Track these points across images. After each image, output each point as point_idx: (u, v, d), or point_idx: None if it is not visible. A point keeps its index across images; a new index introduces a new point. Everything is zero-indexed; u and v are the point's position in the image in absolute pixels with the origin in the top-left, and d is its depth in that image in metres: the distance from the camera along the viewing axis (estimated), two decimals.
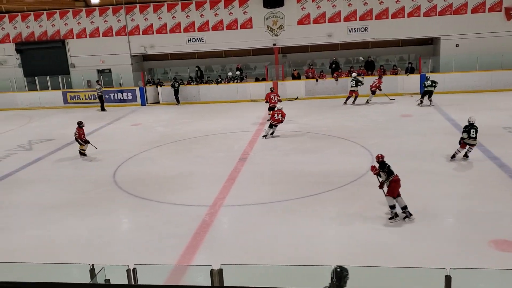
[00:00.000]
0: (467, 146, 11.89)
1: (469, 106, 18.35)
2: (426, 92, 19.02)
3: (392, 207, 8.74)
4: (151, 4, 24.39)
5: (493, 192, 9.84)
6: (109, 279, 5.10)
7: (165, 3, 24.19)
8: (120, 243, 8.79)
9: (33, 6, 24.46)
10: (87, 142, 14.67)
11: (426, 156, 12.45)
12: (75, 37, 25.68)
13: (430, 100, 18.97)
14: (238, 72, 24.00)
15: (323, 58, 24.99)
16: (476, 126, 11.71)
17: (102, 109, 23.21)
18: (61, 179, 12.68)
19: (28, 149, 16.21)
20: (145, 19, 24.72)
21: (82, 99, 24.68)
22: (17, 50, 26.38)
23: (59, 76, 25.26)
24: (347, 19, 23.06)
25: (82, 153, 14.74)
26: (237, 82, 23.57)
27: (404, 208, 8.73)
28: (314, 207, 9.70)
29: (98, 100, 23.46)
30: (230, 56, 25.91)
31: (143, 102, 24.03)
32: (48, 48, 25.99)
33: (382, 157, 9.16)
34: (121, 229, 9.82)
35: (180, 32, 24.55)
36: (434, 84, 18.83)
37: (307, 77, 23.13)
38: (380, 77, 20.42)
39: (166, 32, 24.68)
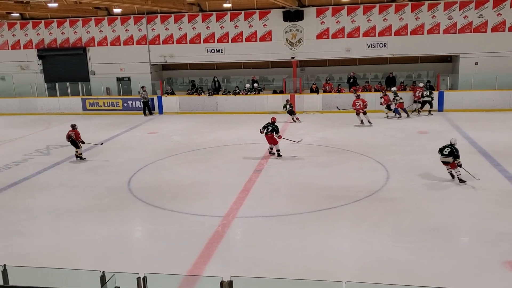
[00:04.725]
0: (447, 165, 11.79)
1: (486, 124, 18.19)
2: (426, 102, 20.75)
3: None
4: (172, 15, 24.67)
5: (509, 212, 9.69)
6: (119, 287, 5.13)
7: (186, 14, 24.45)
8: (133, 250, 8.83)
9: (57, 14, 24.90)
10: (83, 143, 15.28)
11: (444, 174, 12.31)
12: (96, 44, 26.08)
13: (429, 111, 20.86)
14: (255, 84, 24.11)
15: (341, 72, 24.97)
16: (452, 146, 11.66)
17: (145, 114, 23.85)
18: (77, 184, 12.80)
19: (46, 154, 16.43)
20: (165, 29, 25.02)
21: (101, 106, 24.97)
22: (39, 56, 26.89)
23: (79, 83, 25.65)
24: (366, 34, 23.04)
25: (81, 156, 15.33)
26: (254, 93, 23.66)
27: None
28: (327, 221, 9.65)
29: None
30: (248, 68, 26.02)
31: (161, 111, 24.24)
32: (70, 55, 26.44)
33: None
34: (134, 236, 9.86)
35: (200, 42, 24.76)
36: (432, 95, 20.85)
37: (325, 91, 23.14)
38: None
39: (186, 42, 24.92)
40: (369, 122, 19.12)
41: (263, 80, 25.83)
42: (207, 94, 23.98)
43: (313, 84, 23.75)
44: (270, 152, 14.84)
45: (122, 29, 25.57)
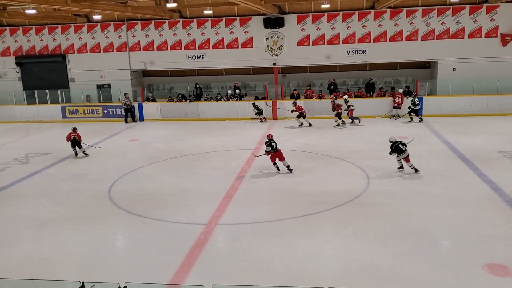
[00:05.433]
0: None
1: (465, 129, 18.47)
2: (415, 110, 20.64)
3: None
4: (153, 21, 24.61)
5: (488, 216, 9.83)
6: None
7: (167, 21, 24.41)
8: (114, 260, 8.71)
9: (35, 21, 24.64)
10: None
11: (423, 179, 12.46)
12: (76, 52, 25.88)
13: (418, 118, 20.77)
14: (237, 91, 24.16)
15: (321, 79, 25.19)
16: (400, 141, 12.82)
17: (126, 121, 23.72)
18: (57, 193, 12.62)
19: (25, 162, 16.17)
20: (146, 36, 24.94)
21: (81, 113, 24.72)
22: (17, 64, 26.56)
23: (59, 90, 25.36)
24: (345, 41, 23.29)
25: (80, 152, 16.69)
26: (236, 100, 23.68)
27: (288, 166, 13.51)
28: (310, 227, 9.66)
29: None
30: (230, 74, 26.08)
31: (141, 118, 24.09)
32: (49, 62, 26.18)
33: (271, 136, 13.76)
34: (115, 245, 9.73)
35: (181, 49, 24.74)
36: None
37: (306, 98, 23.27)
38: None
39: (167, 49, 24.87)
40: (301, 124, 20.67)
41: (245, 86, 25.90)
42: (188, 100, 23.90)
43: (294, 90, 23.88)
44: (280, 169, 13.66)
45: (102, 36, 25.40)
